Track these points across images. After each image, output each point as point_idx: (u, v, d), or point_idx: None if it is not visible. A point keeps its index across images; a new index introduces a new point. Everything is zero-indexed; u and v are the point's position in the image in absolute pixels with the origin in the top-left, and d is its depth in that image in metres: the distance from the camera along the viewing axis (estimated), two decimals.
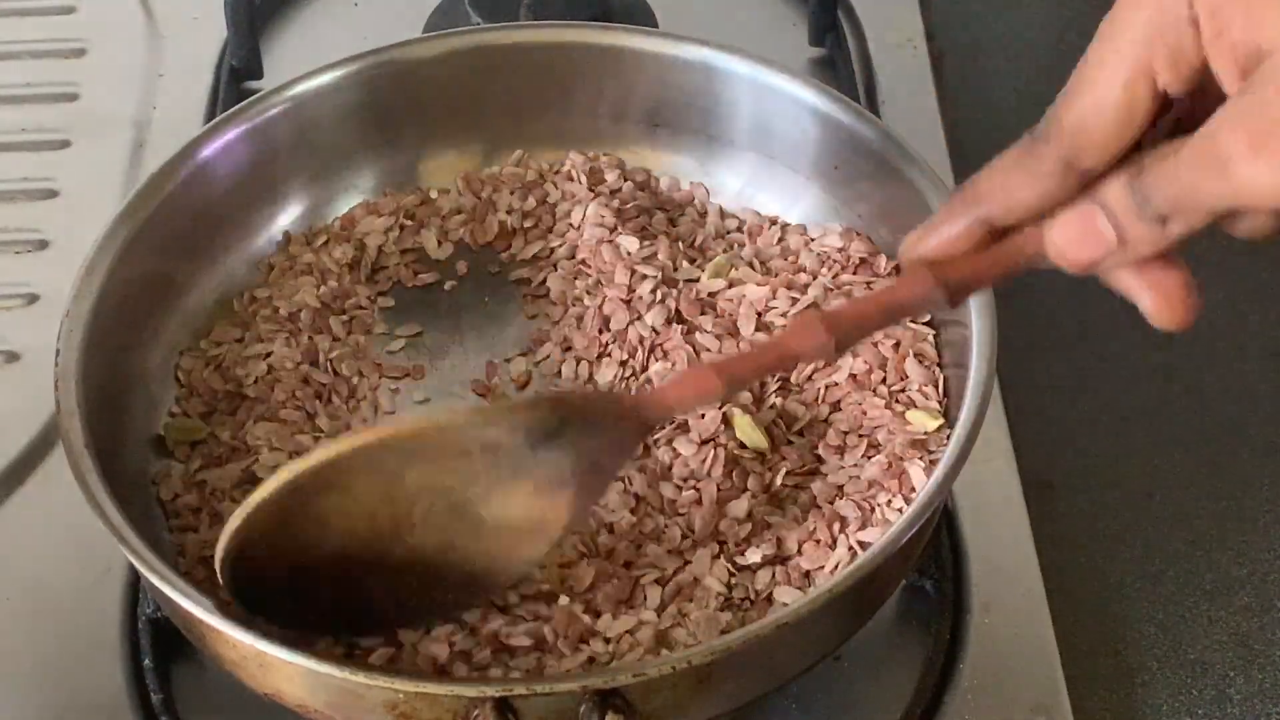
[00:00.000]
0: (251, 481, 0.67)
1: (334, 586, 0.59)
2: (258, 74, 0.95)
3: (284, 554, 0.58)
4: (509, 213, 0.79)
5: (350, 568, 0.59)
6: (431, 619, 0.61)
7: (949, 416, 0.68)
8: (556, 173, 0.80)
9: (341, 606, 0.60)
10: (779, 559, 0.65)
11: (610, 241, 0.75)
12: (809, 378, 0.70)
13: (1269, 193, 0.46)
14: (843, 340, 0.57)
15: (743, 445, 0.68)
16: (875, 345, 0.70)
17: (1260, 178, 0.46)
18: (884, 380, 0.70)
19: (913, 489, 0.65)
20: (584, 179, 0.79)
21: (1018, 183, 0.53)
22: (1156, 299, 0.52)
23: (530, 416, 0.57)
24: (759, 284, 0.73)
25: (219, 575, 0.58)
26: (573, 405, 0.59)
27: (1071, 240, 0.52)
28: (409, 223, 0.79)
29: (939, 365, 0.70)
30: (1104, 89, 0.50)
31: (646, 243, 0.75)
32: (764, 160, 0.79)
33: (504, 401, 0.62)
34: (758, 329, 0.72)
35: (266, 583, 0.59)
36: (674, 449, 0.68)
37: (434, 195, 0.80)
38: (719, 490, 0.66)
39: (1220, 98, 0.48)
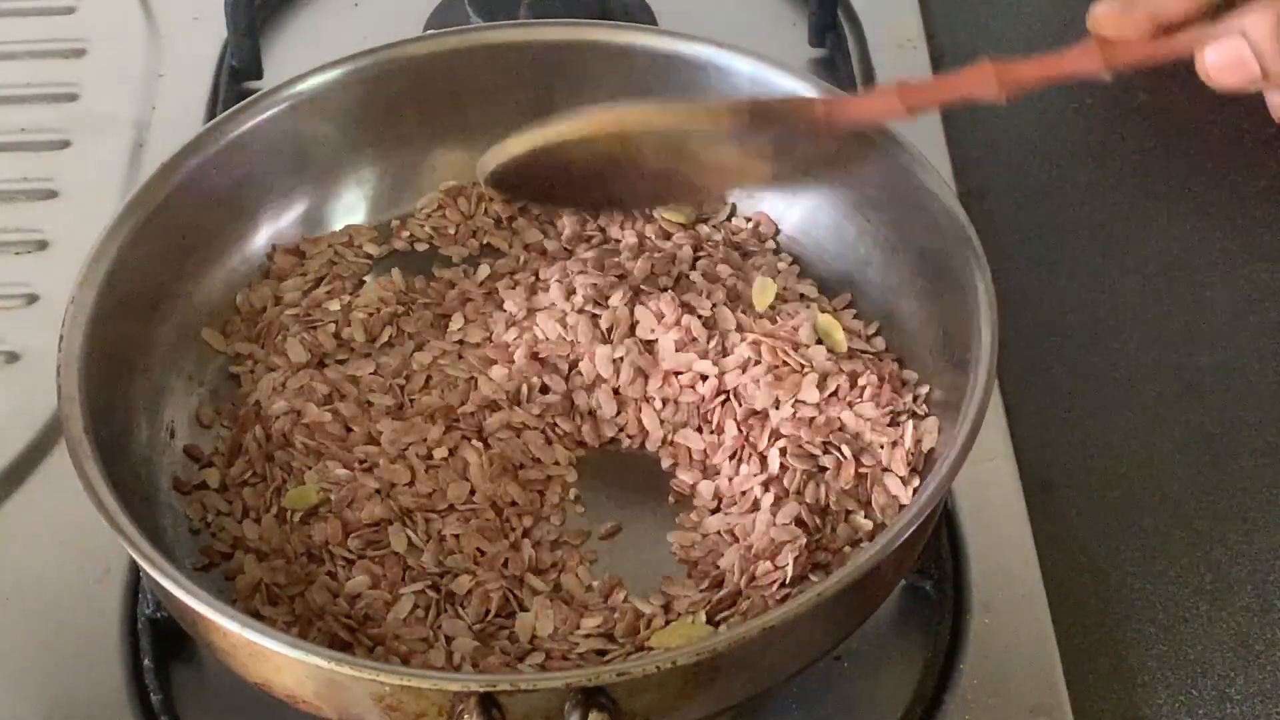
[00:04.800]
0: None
1: (568, 183, 0.73)
2: (258, 74, 0.95)
3: (533, 168, 0.72)
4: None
5: (589, 175, 0.72)
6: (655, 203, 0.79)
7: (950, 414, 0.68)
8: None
9: (581, 197, 0.76)
10: None
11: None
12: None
13: None
14: (1013, 94, 0.64)
15: None
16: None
17: None
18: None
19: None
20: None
21: None
22: None
23: (735, 122, 0.69)
24: None
25: (484, 182, 0.74)
26: (771, 113, 0.70)
27: (1218, 65, 0.60)
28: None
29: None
30: None
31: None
32: None
33: (712, 105, 0.71)
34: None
35: (518, 184, 0.74)
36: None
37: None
38: None
39: None
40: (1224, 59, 0.59)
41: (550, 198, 0.77)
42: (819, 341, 0.73)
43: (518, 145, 0.71)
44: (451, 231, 0.81)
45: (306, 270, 0.78)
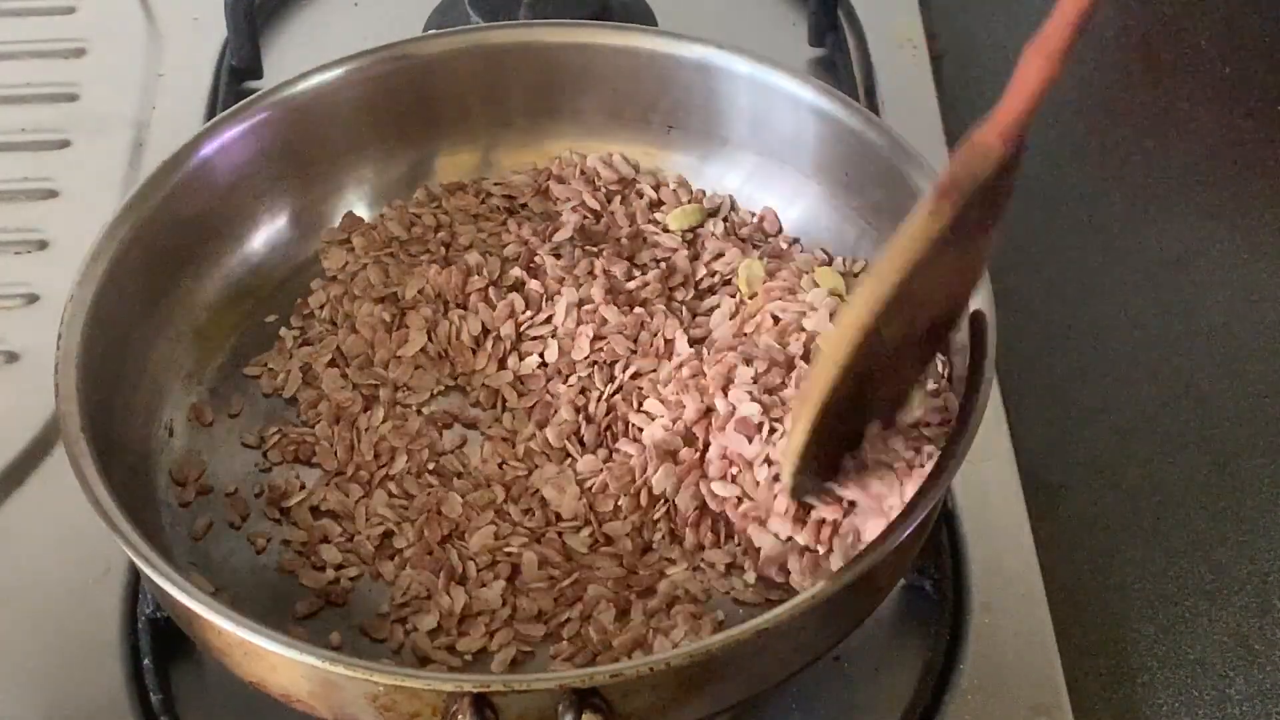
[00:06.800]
0: None
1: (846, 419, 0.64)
2: (258, 74, 0.96)
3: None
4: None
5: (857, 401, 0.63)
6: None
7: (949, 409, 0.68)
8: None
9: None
10: None
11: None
12: None
13: None
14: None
15: None
16: None
17: None
18: None
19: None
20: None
21: None
22: None
23: (947, 227, 0.58)
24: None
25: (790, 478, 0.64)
26: (962, 183, 0.59)
27: None
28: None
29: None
30: None
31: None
32: (764, 159, 0.79)
33: (912, 227, 0.59)
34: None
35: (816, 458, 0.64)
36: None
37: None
38: None
39: None
40: None
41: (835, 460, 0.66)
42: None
43: (799, 430, 0.62)
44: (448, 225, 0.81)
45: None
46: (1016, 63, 0.60)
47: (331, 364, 0.75)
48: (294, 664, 0.58)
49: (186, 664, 0.70)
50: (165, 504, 0.70)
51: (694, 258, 0.78)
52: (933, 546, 0.71)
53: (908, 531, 0.60)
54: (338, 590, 0.68)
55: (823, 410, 0.61)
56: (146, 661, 0.69)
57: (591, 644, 0.65)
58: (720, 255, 0.78)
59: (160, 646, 0.69)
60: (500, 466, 0.71)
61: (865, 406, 0.65)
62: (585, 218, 0.79)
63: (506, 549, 0.68)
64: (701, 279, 0.77)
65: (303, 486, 0.71)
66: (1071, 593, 0.74)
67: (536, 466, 0.71)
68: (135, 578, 0.72)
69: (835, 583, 0.59)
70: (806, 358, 0.71)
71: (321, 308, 0.77)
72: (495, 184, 0.81)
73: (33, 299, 0.85)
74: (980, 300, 0.66)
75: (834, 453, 0.65)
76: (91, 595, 0.72)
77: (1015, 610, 0.71)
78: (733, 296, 0.76)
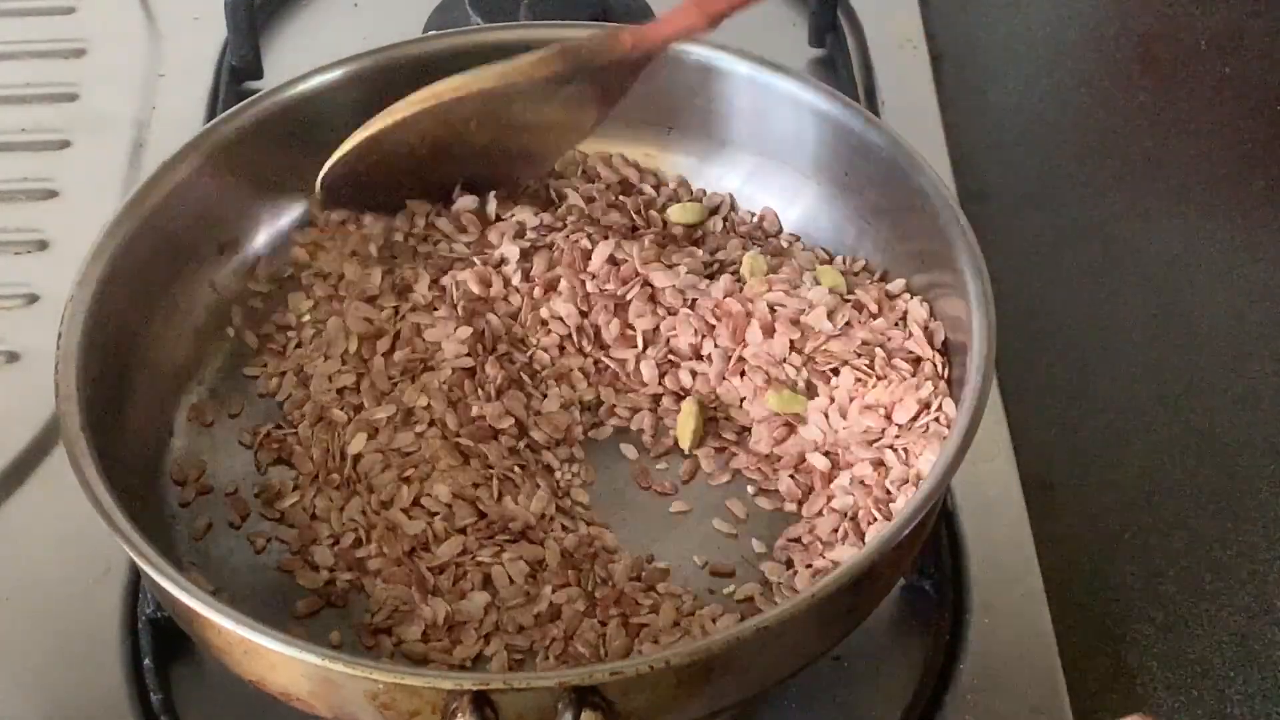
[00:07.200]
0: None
1: (406, 176, 0.76)
2: (258, 74, 0.95)
3: (367, 166, 0.75)
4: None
5: (417, 162, 0.75)
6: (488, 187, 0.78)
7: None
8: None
9: (411, 188, 0.78)
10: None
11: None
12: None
13: None
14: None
15: None
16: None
17: None
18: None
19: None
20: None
21: None
22: None
23: (546, 69, 0.73)
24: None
25: (318, 191, 0.76)
26: (580, 54, 0.73)
27: None
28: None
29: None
30: None
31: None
32: (764, 159, 0.79)
33: (522, 59, 0.73)
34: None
35: (355, 187, 0.76)
36: None
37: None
38: None
39: None
40: None
41: (387, 198, 0.78)
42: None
43: (344, 147, 0.74)
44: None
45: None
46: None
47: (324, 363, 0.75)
48: (294, 662, 0.58)
49: (186, 664, 0.70)
50: (165, 504, 0.70)
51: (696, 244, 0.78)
52: (933, 546, 0.71)
53: (907, 531, 0.61)
54: (336, 591, 0.67)
55: (372, 139, 0.73)
56: (146, 661, 0.69)
57: (583, 659, 0.64)
58: (722, 247, 0.78)
59: (160, 646, 0.69)
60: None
61: (420, 174, 0.77)
62: (589, 200, 0.79)
63: (477, 559, 0.67)
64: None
65: (296, 487, 0.71)
66: (1071, 593, 0.74)
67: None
68: (135, 578, 0.72)
69: (835, 583, 0.59)
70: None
71: (315, 305, 0.77)
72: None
73: (33, 299, 0.85)
74: (979, 300, 0.66)
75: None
76: (91, 595, 0.72)
77: (1015, 610, 0.71)
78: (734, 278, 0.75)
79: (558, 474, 0.71)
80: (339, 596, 0.67)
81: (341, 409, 0.72)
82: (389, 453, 0.70)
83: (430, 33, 0.93)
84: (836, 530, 0.67)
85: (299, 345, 0.76)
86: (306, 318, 0.76)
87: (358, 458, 0.70)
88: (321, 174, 0.75)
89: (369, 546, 0.68)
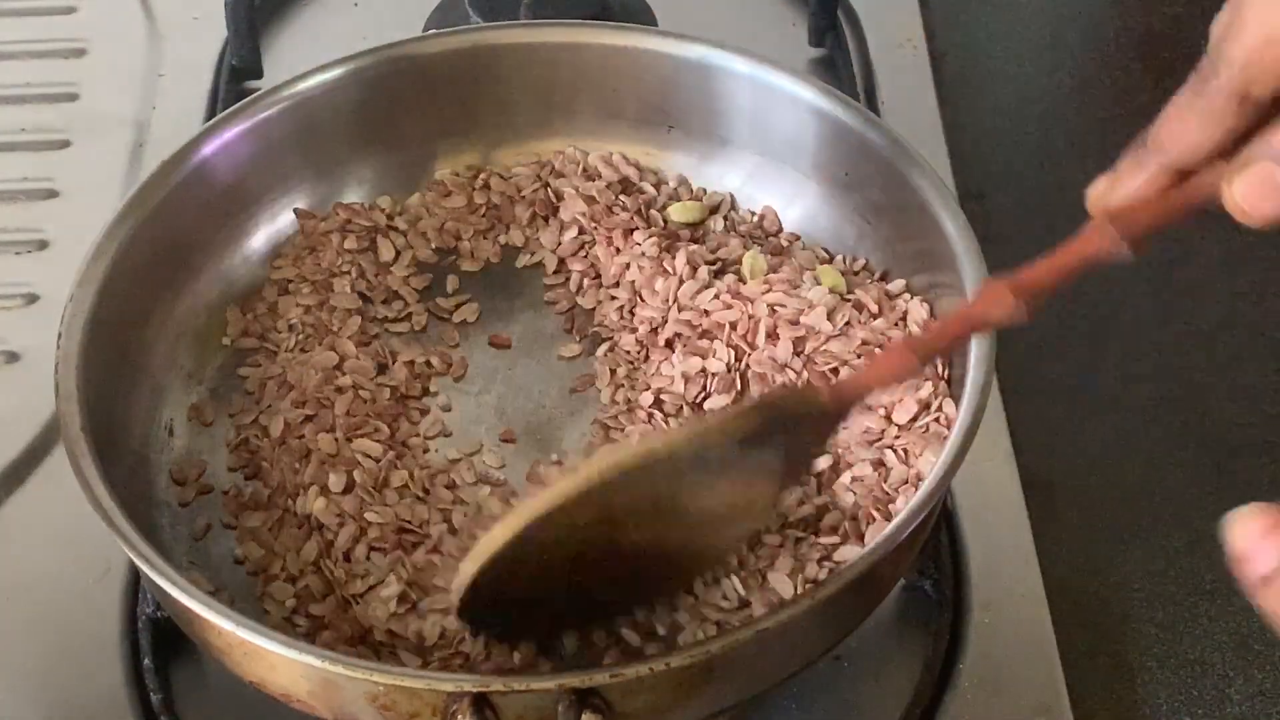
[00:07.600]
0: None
1: (550, 594, 0.61)
2: (258, 74, 0.96)
3: (508, 579, 0.58)
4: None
5: (565, 576, 0.60)
6: (642, 607, 0.63)
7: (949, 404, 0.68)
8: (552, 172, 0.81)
9: (555, 609, 0.62)
10: None
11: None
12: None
13: None
14: (1031, 302, 0.57)
15: None
16: None
17: None
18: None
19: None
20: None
21: (1195, 124, 0.53)
22: None
23: (742, 426, 0.58)
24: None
25: (456, 613, 0.60)
26: (779, 407, 0.60)
27: (1250, 196, 0.52)
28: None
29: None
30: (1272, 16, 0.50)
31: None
32: (764, 159, 0.79)
33: (714, 416, 0.62)
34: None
35: (492, 603, 0.60)
36: None
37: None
38: None
39: None
40: (1256, 188, 0.51)
41: (523, 621, 0.62)
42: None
43: (486, 544, 0.57)
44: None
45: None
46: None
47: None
48: (294, 663, 0.58)
49: (186, 664, 0.70)
50: (165, 504, 0.70)
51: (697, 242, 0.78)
52: (933, 546, 0.71)
53: (908, 532, 0.61)
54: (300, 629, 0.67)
55: (494, 560, 0.57)
56: (146, 661, 0.69)
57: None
58: (723, 245, 0.78)
59: (160, 646, 0.69)
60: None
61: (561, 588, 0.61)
62: (590, 200, 0.79)
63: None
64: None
65: (260, 508, 0.70)
66: (1071, 593, 0.74)
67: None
68: (135, 578, 0.72)
69: (835, 583, 0.59)
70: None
71: (306, 312, 0.76)
72: (496, 175, 0.81)
73: (33, 299, 0.85)
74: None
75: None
76: (91, 595, 0.72)
77: (1015, 610, 0.71)
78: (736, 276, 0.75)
79: None
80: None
81: (301, 439, 0.71)
82: (345, 514, 0.68)
83: (430, 32, 0.93)
84: (837, 530, 0.67)
85: (288, 350, 0.75)
86: (295, 322, 0.76)
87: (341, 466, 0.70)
88: (455, 596, 0.60)
89: (324, 603, 0.66)
